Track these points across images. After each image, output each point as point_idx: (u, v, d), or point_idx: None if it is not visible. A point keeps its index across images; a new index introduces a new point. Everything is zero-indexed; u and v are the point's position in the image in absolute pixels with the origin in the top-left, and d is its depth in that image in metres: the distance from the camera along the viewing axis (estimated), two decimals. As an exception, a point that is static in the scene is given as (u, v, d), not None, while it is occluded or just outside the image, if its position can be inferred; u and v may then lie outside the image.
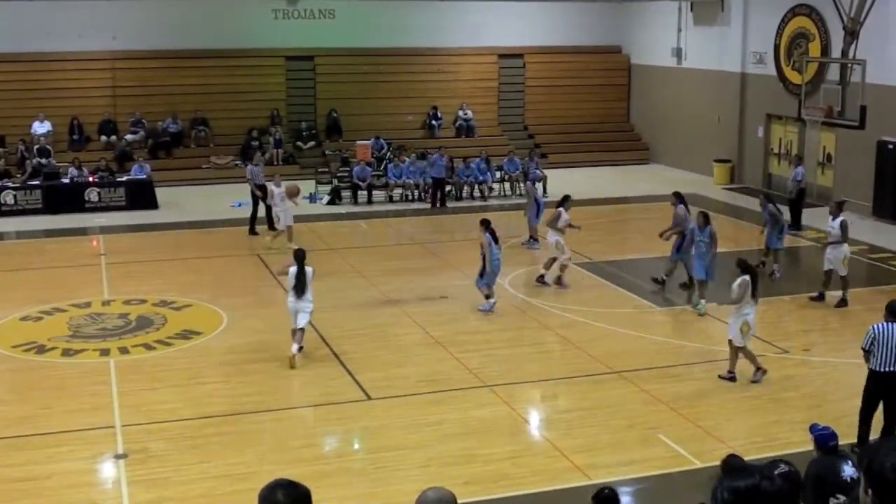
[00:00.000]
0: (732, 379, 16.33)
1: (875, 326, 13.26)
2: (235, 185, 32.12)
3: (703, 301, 20.07)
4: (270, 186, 25.91)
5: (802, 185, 27.94)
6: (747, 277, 16.11)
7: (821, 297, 20.76)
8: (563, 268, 22.21)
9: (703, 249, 20.05)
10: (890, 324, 13.22)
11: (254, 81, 37.51)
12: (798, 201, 27.75)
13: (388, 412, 15.22)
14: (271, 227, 27.31)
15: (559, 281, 22.22)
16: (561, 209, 22.44)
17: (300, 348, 17.39)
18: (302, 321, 17.27)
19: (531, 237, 25.97)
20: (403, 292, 21.58)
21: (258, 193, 27.36)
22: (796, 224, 27.27)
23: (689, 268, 21.30)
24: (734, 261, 17.05)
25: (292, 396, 15.89)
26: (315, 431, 14.94)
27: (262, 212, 27.33)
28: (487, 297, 20.34)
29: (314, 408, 15.55)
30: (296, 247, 24.16)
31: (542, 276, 22.41)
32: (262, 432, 14.60)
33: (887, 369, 13.15)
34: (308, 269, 17.40)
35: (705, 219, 20.22)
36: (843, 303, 20.47)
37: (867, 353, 13.32)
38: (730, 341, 16.42)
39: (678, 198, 22.37)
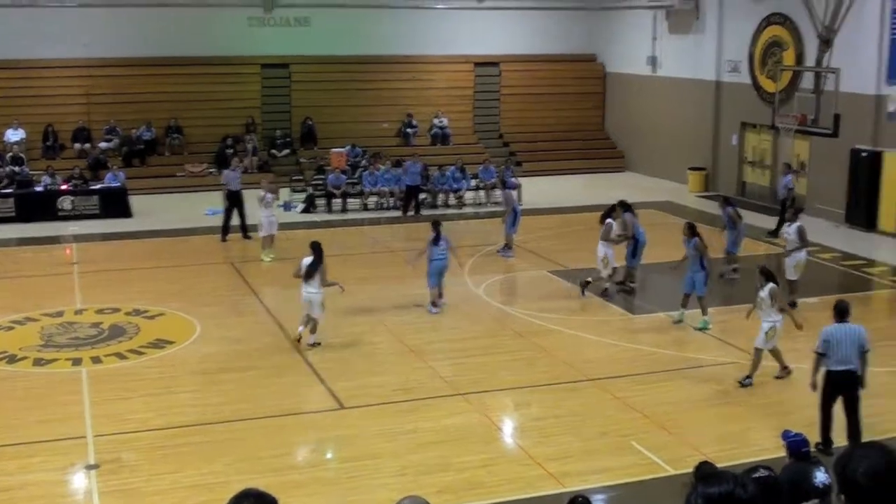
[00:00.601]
0: (749, 384, 16.53)
1: (826, 329, 13.80)
2: (210, 193, 32.04)
3: (704, 318, 19.73)
4: (261, 192, 25.69)
5: (794, 193, 28.02)
6: (771, 285, 16.41)
7: (792, 305, 20.74)
8: (599, 279, 22.02)
9: (690, 262, 19.80)
10: (840, 324, 13.79)
11: (229, 89, 37.43)
12: (796, 209, 27.78)
13: (361, 421, 15.18)
14: (245, 234, 27.29)
15: (605, 293, 22.05)
16: (610, 220, 22.14)
17: (315, 343, 18.44)
18: (315, 311, 18.30)
19: (506, 245, 25.97)
20: (377, 300, 21.55)
21: (227, 202, 27.44)
22: (778, 231, 26.96)
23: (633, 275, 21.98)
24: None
25: (265, 405, 15.80)
26: (288, 441, 14.85)
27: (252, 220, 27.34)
28: (433, 304, 20.74)
29: (287, 417, 15.46)
30: (271, 257, 24.26)
31: (623, 282, 22.56)
32: (234, 442, 14.51)
33: (842, 368, 13.66)
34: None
35: (691, 230, 19.93)
36: (792, 305, 20.39)
37: (820, 356, 13.78)
38: (756, 348, 16.60)
39: (624, 206, 22.52)
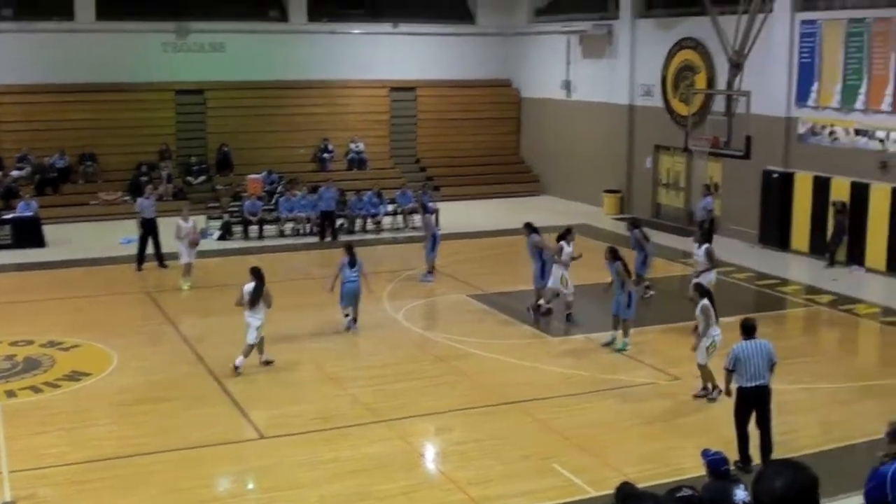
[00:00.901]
0: (706, 396, 16.91)
1: (736, 346, 14.14)
2: (124, 221, 31.62)
3: (625, 339, 19.85)
4: (179, 221, 25.31)
5: (713, 215, 28.36)
6: (707, 301, 16.79)
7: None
8: (568, 304, 21.97)
9: (614, 285, 19.94)
10: (748, 341, 14.15)
11: (143, 115, 37.08)
12: (710, 231, 28.09)
13: (281, 450, 15.04)
14: (161, 263, 27.01)
15: (568, 318, 22.00)
16: (563, 242, 22.04)
17: (267, 361, 18.80)
18: (251, 336, 18.33)
19: (428, 270, 25.98)
20: (296, 328, 21.41)
21: (141, 230, 27.18)
22: None
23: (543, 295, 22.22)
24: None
25: (183, 437, 15.59)
26: (208, 472, 14.66)
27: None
28: (346, 315, 21.15)
29: (206, 448, 15.24)
30: (189, 285, 23.99)
31: (538, 306, 22.37)
32: (153, 474, 14.28)
33: (754, 384, 13.99)
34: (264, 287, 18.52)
35: (613, 254, 19.98)
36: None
37: (730, 373, 14.16)
38: (698, 365, 16.96)
39: (530, 228, 22.72)
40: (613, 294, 20.05)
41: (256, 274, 18.64)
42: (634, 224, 24.41)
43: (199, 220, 31.50)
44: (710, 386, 16.92)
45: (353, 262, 20.87)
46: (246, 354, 18.43)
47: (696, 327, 17.49)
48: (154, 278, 26.42)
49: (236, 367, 18.34)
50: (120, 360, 19.29)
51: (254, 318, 18.38)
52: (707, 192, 28.81)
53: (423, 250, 26.16)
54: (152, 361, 19.35)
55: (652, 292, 23.67)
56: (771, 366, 14.14)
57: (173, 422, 16.27)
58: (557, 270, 21.85)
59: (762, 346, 14.13)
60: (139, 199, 28.26)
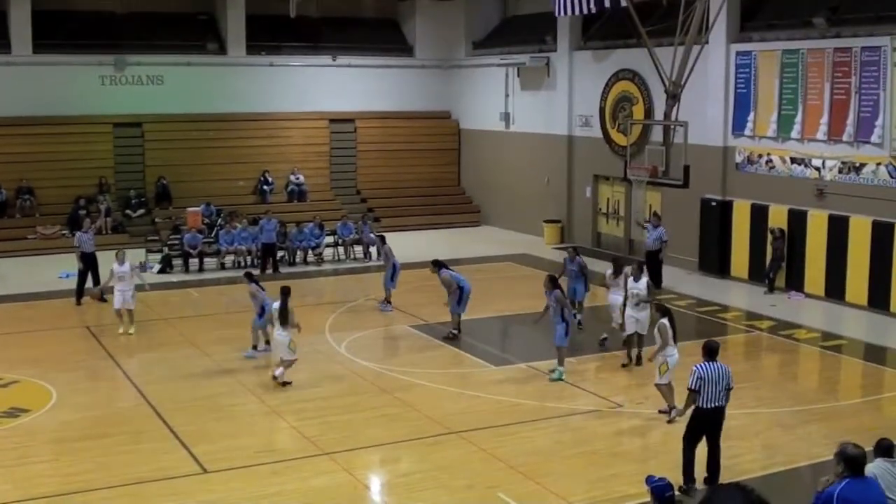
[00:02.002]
0: (669, 412, 16.98)
1: (698, 367, 14.20)
2: (63, 256, 31.33)
3: (560, 368, 19.80)
4: (113, 266, 24.18)
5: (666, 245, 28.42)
6: (665, 321, 16.85)
7: (638, 362, 20.55)
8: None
9: (552, 313, 19.89)
10: (710, 363, 14.22)
11: (81, 149, 36.75)
12: (660, 261, 28.20)
13: (225, 485, 14.88)
14: (101, 297, 26.72)
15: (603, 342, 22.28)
16: (622, 272, 21.97)
17: (286, 382, 19.46)
18: (286, 353, 19.43)
19: (386, 300, 25.94)
20: (237, 361, 21.24)
21: (80, 264, 26.93)
22: (657, 282, 27.17)
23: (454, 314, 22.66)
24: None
25: (125, 473, 15.37)
26: (150, 507, 14.49)
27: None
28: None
29: (149, 483, 15.03)
30: (132, 331, 23.37)
31: (454, 333, 22.99)
32: (94, 510, 14.10)
33: (712, 405, 14.08)
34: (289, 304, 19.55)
35: (552, 282, 20.06)
36: (639, 361, 20.53)
37: (694, 393, 14.15)
38: (656, 384, 17.13)
39: (438, 265, 23.04)
40: (550, 323, 20.10)
41: (284, 292, 19.75)
42: (577, 252, 24.48)
43: (139, 254, 31.27)
44: (667, 407, 17.06)
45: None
46: (287, 367, 19.47)
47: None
48: (93, 313, 26.13)
49: (275, 377, 19.53)
50: (59, 396, 19.01)
51: (284, 336, 19.42)
52: (658, 221, 28.91)
53: (362, 281, 26.18)
54: (93, 397, 19.12)
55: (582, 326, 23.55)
56: (728, 390, 14.25)
57: (116, 457, 16.05)
58: (613, 296, 21.99)
59: (723, 369, 14.23)
60: (78, 234, 27.96)
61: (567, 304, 20.08)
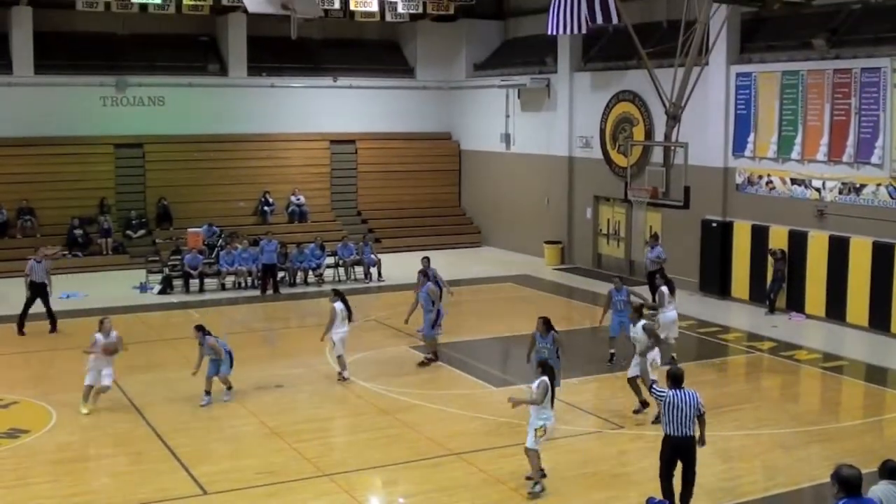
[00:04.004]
0: (537, 480, 15.23)
1: (665, 392, 13.99)
2: (65, 276, 31.33)
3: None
4: (96, 335, 19.71)
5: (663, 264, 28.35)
6: (546, 379, 15.00)
7: (643, 406, 19.02)
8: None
9: (548, 354, 18.08)
10: (677, 391, 13.86)
11: (82, 169, 36.80)
12: (664, 278, 28.03)
13: (225, 506, 14.86)
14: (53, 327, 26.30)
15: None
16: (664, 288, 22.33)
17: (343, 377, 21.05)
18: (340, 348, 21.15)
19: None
20: (237, 382, 21.15)
21: (28, 293, 26.26)
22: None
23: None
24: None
25: (125, 494, 15.32)
26: (149, 529, 14.45)
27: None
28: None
29: (148, 504, 15.05)
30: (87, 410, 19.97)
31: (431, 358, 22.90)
32: (93, 532, 14.05)
33: (680, 434, 13.74)
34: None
35: (546, 326, 18.43)
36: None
37: (660, 401, 14.24)
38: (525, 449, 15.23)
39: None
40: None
41: (339, 294, 21.62)
42: (622, 281, 23.63)
43: (140, 275, 31.17)
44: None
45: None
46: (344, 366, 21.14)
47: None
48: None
49: (345, 378, 21.13)
50: (59, 417, 18.98)
51: (344, 331, 21.21)
52: (655, 241, 28.93)
53: (363, 302, 25.95)
54: (92, 418, 19.05)
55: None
56: (699, 416, 13.89)
57: (116, 479, 16.02)
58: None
59: (690, 395, 13.84)
60: (31, 261, 26.71)
61: (562, 346, 18.39)
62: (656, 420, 17.10)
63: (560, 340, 18.61)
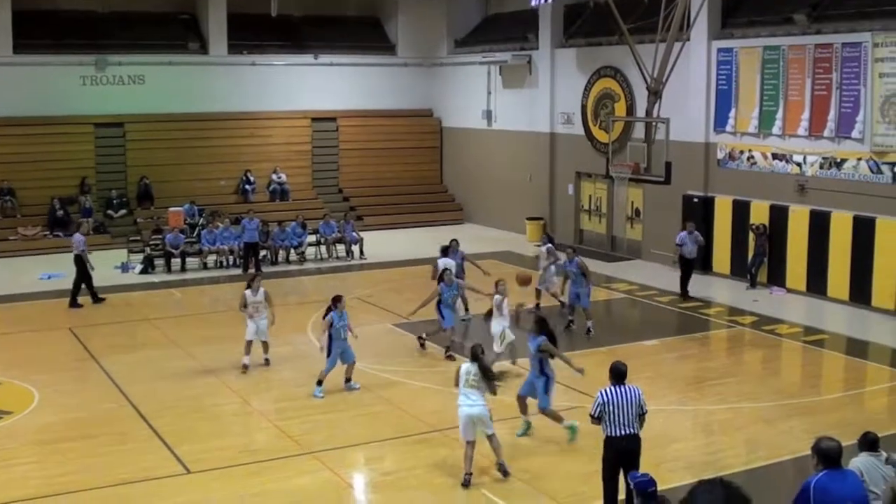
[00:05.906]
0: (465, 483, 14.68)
1: (602, 392, 12.73)
2: (45, 257, 31.28)
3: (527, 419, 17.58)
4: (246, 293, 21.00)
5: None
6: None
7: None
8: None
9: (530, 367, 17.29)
10: (617, 386, 12.78)
11: (62, 149, 36.57)
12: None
13: (207, 485, 14.84)
14: (95, 298, 26.48)
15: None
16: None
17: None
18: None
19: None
20: (220, 361, 21.18)
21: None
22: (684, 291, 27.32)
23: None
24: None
25: (109, 473, 15.32)
26: (134, 508, 14.45)
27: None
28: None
29: (132, 484, 14.96)
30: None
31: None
32: (77, 512, 14.05)
33: (622, 433, 12.59)
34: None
35: (539, 325, 17.10)
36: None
37: (596, 420, 12.78)
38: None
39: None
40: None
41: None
42: (575, 251, 24.48)
43: (121, 254, 31.13)
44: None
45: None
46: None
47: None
48: (78, 315, 25.95)
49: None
50: (42, 398, 18.95)
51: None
52: (693, 228, 28.03)
53: (345, 280, 25.85)
54: (75, 398, 19.04)
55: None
56: (641, 415, 12.76)
57: (99, 459, 16.00)
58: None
59: (633, 391, 12.74)
60: (75, 235, 27.17)
61: (559, 356, 17.06)
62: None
63: (549, 349, 16.82)
